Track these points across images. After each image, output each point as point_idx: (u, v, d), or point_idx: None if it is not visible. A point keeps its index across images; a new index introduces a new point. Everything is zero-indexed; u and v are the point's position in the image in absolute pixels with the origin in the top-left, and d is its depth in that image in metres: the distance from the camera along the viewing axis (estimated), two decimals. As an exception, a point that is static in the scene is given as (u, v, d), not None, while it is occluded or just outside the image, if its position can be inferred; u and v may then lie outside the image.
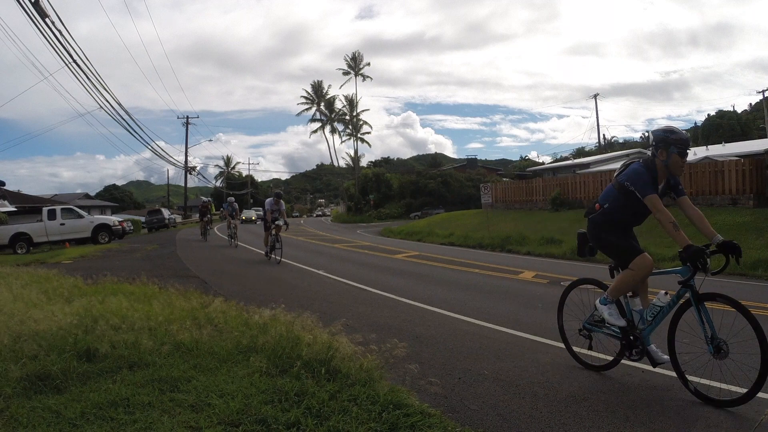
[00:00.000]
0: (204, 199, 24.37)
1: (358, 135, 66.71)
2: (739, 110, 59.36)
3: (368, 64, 65.19)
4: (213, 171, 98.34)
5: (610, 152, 43.84)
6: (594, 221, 4.17)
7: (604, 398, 3.58)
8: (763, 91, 41.74)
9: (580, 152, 56.78)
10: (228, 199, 19.77)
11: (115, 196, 76.88)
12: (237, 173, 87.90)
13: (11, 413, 2.90)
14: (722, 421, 3.20)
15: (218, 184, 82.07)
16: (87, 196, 68.60)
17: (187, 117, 49.29)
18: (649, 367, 4.25)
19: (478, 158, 75.32)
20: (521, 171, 54.43)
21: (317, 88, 67.87)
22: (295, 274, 10.59)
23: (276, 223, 12.62)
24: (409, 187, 56.70)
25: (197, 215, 29.59)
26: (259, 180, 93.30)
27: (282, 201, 13.17)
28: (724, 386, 3.48)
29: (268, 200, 13.30)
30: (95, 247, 19.23)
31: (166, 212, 41.81)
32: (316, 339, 4.08)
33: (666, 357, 3.79)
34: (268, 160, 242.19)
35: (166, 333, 4.39)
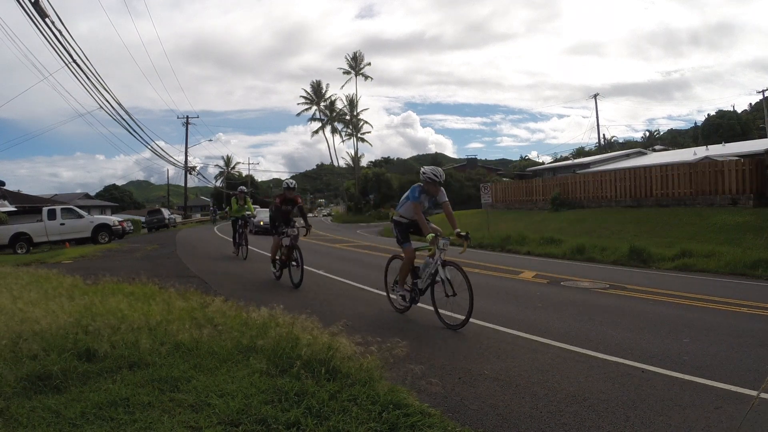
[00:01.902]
0: (243, 189, 14.57)
1: (359, 135, 66.71)
2: (739, 110, 59.24)
3: (369, 63, 65.11)
4: (213, 171, 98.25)
5: (610, 152, 43.82)
6: None
7: (604, 398, 3.58)
8: (763, 91, 41.77)
9: (580, 152, 56.68)
10: (426, 171, 6.24)
11: (115, 196, 76.81)
12: (237, 173, 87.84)
13: (11, 413, 2.90)
14: (722, 421, 3.20)
15: (218, 184, 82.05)
16: (87, 196, 68.53)
17: (187, 117, 49.25)
18: (649, 367, 4.26)
19: (478, 158, 75.06)
20: (521, 171, 54.36)
21: (316, 88, 67.85)
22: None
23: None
24: (409, 186, 56.58)
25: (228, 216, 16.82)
26: (259, 180, 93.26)
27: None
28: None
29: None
30: (95, 247, 19.21)
31: (166, 212, 41.81)
32: (316, 339, 4.08)
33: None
34: (268, 160, 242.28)
35: (166, 333, 4.39)
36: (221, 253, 15.63)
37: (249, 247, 13.73)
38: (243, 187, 14.96)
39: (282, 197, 9.23)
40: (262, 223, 22.52)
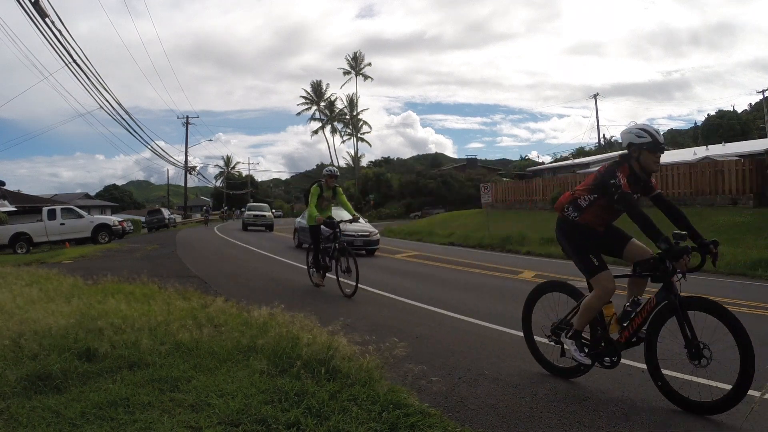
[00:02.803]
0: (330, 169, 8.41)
1: (358, 135, 66.79)
2: (739, 110, 59.19)
3: (369, 64, 65.42)
4: (213, 171, 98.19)
5: (610, 152, 43.80)
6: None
7: (604, 398, 3.58)
8: (763, 91, 41.80)
9: (580, 152, 56.63)
10: None
11: (115, 196, 76.85)
12: (237, 173, 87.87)
13: (11, 413, 2.89)
14: (723, 421, 3.20)
15: (218, 184, 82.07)
16: (87, 196, 68.66)
17: (187, 117, 49.32)
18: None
19: (478, 158, 75.16)
20: (521, 171, 54.35)
21: (316, 87, 67.94)
22: (295, 273, 10.58)
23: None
24: (409, 187, 56.68)
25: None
26: (259, 180, 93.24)
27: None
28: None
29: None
30: (95, 247, 19.20)
31: (166, 212, 41.84)
32: (316, 339, 4.07)
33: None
34: (268, 160, 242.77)
35: (166, 333, 4.39)
36: (220, 251, 15.61)
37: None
38: (334, 168, 8.62)
39: (626, 170, 3.73)
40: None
